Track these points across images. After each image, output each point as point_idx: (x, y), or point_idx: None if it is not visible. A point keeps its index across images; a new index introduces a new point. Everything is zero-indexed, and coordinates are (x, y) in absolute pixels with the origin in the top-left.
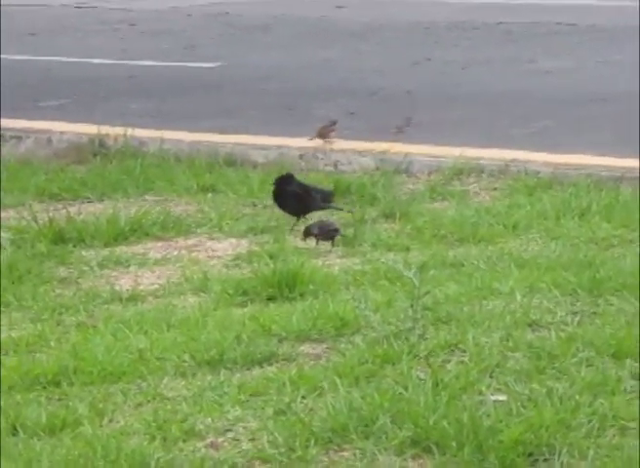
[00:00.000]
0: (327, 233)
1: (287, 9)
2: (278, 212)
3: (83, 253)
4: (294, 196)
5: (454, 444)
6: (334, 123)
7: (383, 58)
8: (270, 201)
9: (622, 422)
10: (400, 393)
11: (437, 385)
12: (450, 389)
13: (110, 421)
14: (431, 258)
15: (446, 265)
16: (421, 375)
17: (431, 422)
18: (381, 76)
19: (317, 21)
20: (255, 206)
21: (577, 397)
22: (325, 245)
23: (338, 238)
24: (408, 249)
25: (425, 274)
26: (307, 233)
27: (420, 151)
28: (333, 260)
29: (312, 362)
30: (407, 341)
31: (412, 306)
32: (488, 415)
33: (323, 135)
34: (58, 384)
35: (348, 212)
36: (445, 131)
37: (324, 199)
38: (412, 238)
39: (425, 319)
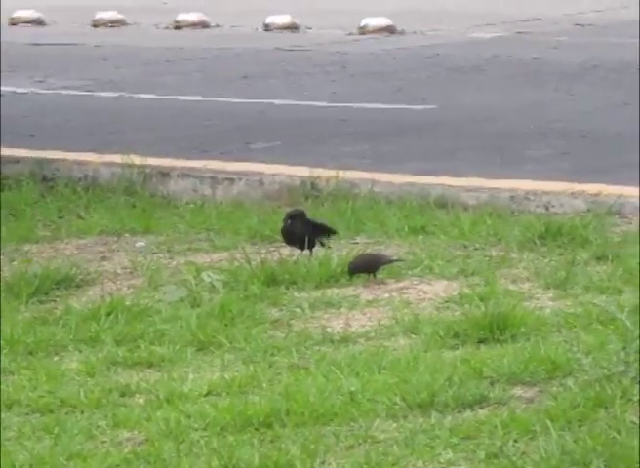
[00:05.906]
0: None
1: (499, 50)
2: (488, 253)
3: (295, 294)
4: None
5: None
6: None
7: (595, 100)
8: (481, 243)
9: None
10: (613, 437)
11: None
12: None
13: (322, 463)
14: None
15: None
16: (635, 420)
17: None
18: (593, 117)
19: (530, 63)
20: (466, 248)
21: None
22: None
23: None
24: (620, 291)
25: (638, 316)
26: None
27: (633, 193)
28: (544, 303)
29: (524, 405)
30: (620, 385)
31: (624, 349)
32: None
33: None
34: (270, 426)
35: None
36: None
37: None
38: (624, 280)
39: (639, 362)
